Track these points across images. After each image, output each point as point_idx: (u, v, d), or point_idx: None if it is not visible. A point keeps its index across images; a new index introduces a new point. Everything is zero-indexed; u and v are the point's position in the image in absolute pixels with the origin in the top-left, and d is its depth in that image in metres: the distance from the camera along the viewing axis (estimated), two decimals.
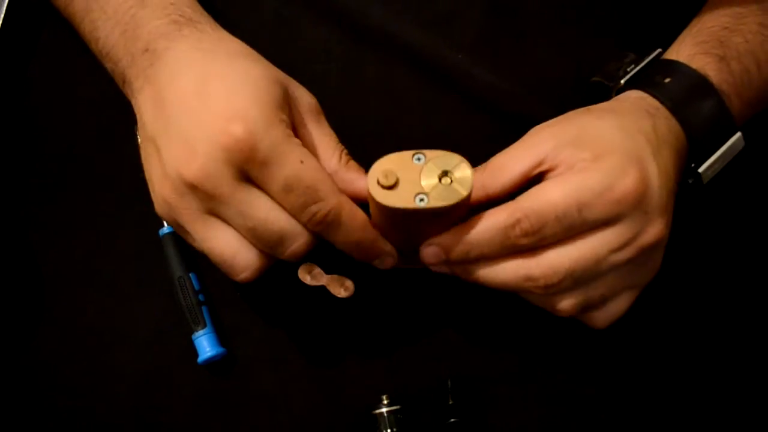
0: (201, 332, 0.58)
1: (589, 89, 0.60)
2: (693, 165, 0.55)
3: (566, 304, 0.50)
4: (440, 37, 0.60)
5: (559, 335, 0.59)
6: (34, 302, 0.61)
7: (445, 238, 0.49)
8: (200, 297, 0.59)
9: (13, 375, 0.60)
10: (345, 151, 0.53)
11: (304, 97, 0.52)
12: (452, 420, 0.57)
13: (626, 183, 0.48)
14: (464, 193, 0.47)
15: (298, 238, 0.49)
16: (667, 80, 0.55)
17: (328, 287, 0.58)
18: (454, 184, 0.47)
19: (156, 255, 0.60)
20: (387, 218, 0.49)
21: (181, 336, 0.59)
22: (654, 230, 0.49)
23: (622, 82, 0.56)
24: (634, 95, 0.55)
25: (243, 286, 0.59)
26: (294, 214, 0.48)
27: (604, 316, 0.52)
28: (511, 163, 0.50)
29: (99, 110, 0.63)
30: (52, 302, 0.61)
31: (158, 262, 0.60)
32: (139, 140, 0.53)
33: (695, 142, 0.54)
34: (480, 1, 0.61)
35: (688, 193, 0.57)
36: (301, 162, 0.47)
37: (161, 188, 0.49)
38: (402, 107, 0.60)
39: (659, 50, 0.58)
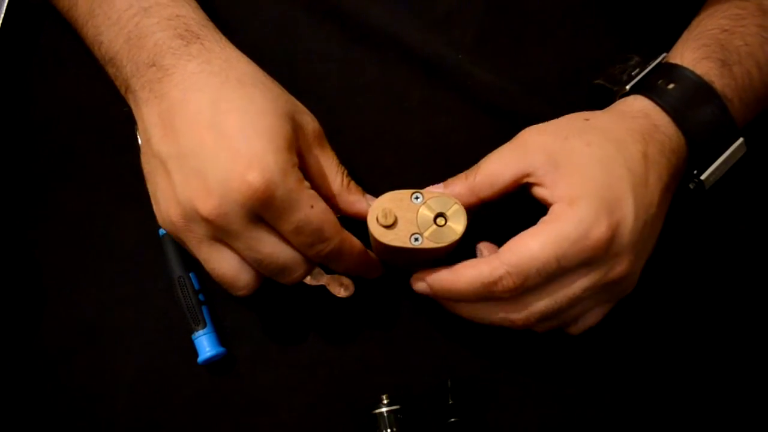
0: (201, 332, 0.58)
1: (591, 91, 0.60)
2: (695, 172, 0.56)
3: (541, 328, 0.54)
4: (440, 37, 0.60)
5: (559, 335, 0.59)
6: (34, 302, 0.61)
7: (433, 279, 0.53)
8: (200, 297, 0.59)
9: (13, 374, 0.60)
10: (346, 172, 0.55)
11: (309, 125, 0.53)
12: (452, 420, 0.57)
13: (598, 232, 0.50)
14: (456, 237, 0.51)
15: (299, 269, 0.52)
16: (670, 86, 0.55)
17: (328, 287, 0.58)
18: (448, 227, 0.51)
19: (156, 255, 0.60)
20: (384, 250, 0.53)
21: (181, 336, 0.59)
22: (620, 268, 0.51)
23: (627, 88, 0.57)
24: (638, 105, 0.55)
25: None
26: (301, 249, 0.51)
27: (579, 327, 0.55)
28: (501, 170, 0.53)
29: (99, 110, 0.62)
30: (52, 302, 0.61)
31: (158, 262, 0.60)
32: (142, 149, 0.53)
33: (697, 149, 0.55)
34: (480, 1, 0.61)
35: (689, 197, 0.57)
36: (311, 207, 0.50)
37: (168, 209, 0.51)
38: (402, 107, 0.60)
39: (664, 54, 0.58)
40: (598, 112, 0.55)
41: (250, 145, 0.49)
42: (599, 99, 0.58)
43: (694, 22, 0.59)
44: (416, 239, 0.51)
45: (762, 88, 0.57)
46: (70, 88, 0.64)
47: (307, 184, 0.51)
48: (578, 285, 0.51)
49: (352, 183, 0.55)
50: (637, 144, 0.53)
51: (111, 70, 0.55)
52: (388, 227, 0.51)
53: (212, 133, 0.49)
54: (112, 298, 0.60)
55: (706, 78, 0.55)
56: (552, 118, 0.55)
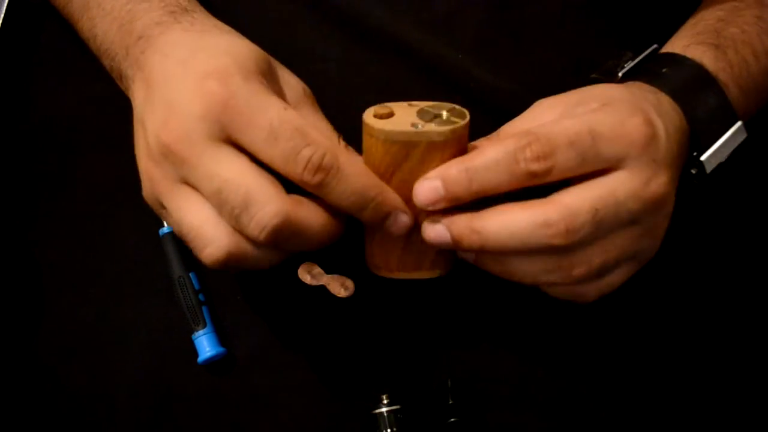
0: (201, 332, 0.58)
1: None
2: (695, 153, 0.55)
3: (586, 266, 0.47)
4: (440, 37, 0.60)
5: (559, 335, 0.59)
6: (34, 302, 0.61)
7: (444, 168, 0.45)
8: (200, 297, 0.59)
9: (13, 375, 0.60)
10: (341, 137, 0.51)
11: (297, 83, 0.52)
12: (452, 420, 0.57)
13: (636, 122, 0.46)
14: (461, 122, 0.46)
15: (267, 203, 0.44)
16: (664, 70, 0.54)
17: (328, 287, 0.58)
18: (449, 120, 0.47)
19: (156, 255, 0.60)
20: (382, 159, 0.47)
21: (181, 336, 0.59)
22: (661, 181, 0.47)
23: (620, 75, 0.56)
24: (635, 84, 0.55)
25: (243, 285, 0.59)
26: (285, 165, 0.44)
27: (599, 288, 0.50)
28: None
29: (99, 110, 0.63)
30: (52, 302, 0.61)
31: (158, 262, 0.60)
32: (134, 124, 0.53)
33: (696, 131, 0.54)
34: (480, 1, 0.61)
35: (690, 186, 0.56)
36: (284, 109, 0.45)
37: (145, 165, 0.49)
38: None
39: (655, 45, 0.58)
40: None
41: (214, 63, 0.46)
42: None
43: (691, 18, 0.59)
44: (416, 127, 0.46)
45: (761, 77, 0.57)
46: (70, 88, 0.64)
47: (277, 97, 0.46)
48: (620, 184, 0.46)
49: (350, 148, 0.50)
50: (649, 93, 0.52)
51: (106, 62, 0.55)
52: (384, 118, 0.46)
53: (181, 67, 0.47)
54: (112, 298, 0.60)
55: (698, 61, 0.54)
56: None
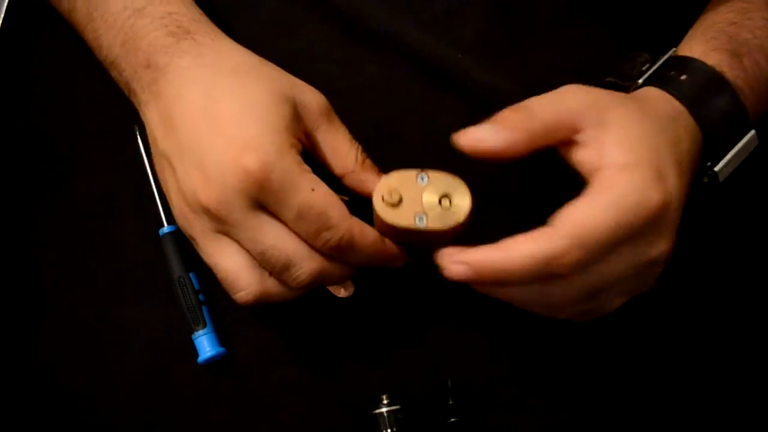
0: (201, 332, 0.58)
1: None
2: (709, 164, 0.55)
3: (570, 312, 0.51)
4: (440, 36, 0.60)
5: (559, 335, 0.59)
6: (33, 302, 0.61)
7: (477, 259, 0.48)
8: (200, 297, 0.59)
9: (13, 375, 0.60)
10: (360, 148, 0.54)
11: (313, 101, 0.53)
12: (452, 420, 0.57)
13: (654, 200, 0.47)
14: (461, 219, 0.50)
15: (305, 263, 0.50)
16: (683, 77, 0.54)
17: (328, 287, 0.58)
18: (453, 208, 0.51)
19: (156, 255, 0.60)
20: (388, 232, 0.52)
21: (181, 336, 0.59)
22: (663, 247, 0.49)
23: (640, 81, 0.56)
24: (653, 93, 0.54)
25: None
26: (308, 240, 0.50)
27: (592, 317, 0.52)
28: (562, 117, 0.50)
29: (99, 110, 0.62)
30: (51, 302, 0.61)
31: (158, 262, 0.60)
32: (152, 151, 0.54)
33: (710, 140, 0.54)
34: (480, 0, 0.60)
35: (702, 192, 0.56)
36: (312, 190, 0.49)
37: (178, 204, 0.52)
38: (402, 107, 0.60)
39: (673, 49, 0.57)
40: (624, 94, 0.54)
41: (245, 129, 0.49)
42: None
43: (701, 19, 0.59)
44: (420, 219, 0.50)
45: None
46: (70, 88, 0.64)
47: (307, 167, 0.50)
48: (624, 261, 0.48)
49: (368, 160, 0.54)
50: (672, 123, 0.52)
51: (114, 74, 0.56)
52: (393, 206, 0.51)
53: (206, 122, 0.50)
54: (112, 298, 0.60)
55: (717, 68, 0.55)
56: None
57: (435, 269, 0.52)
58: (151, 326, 0.60)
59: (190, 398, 0.59)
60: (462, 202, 0.51)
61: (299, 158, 0.50)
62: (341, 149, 0.53)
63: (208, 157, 0.49)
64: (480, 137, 0.49)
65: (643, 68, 0.57)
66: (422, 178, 0.51)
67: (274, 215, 0.50)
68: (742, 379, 0.62)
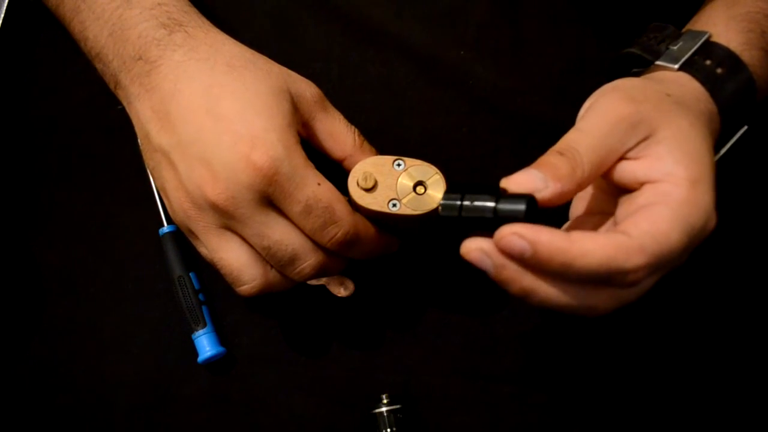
0: (201, 332, 0.58)
1: (616, 62, 0.57)
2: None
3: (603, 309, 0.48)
4: (441, 34, 0.60)
5: (559, 335, 0.59)
6: (33, 302, 0.61)
7: (541, 238, 0.43)
8: (200, 297, 0.59)
9: (13, 375, 0.60)
10: (357, 132, 0.54)
11: (307, 92, 0.53)
12: (452, 420, 0.57)
13: (713, 224, 0.47)
14: (433, 206, 0.51)
15: (310, 257, 0.51)
16: (719, 71, 0.52)
17: (328, 287, 0.58)
18: (426, 195, 0.51)
19: (156, 255, 0.60)
20: (366, 214, 0.52)
21: (181, 336, 0.59)
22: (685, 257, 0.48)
23: (676, 67, 0.52)
24: (692, 89, 0.52)
25: None
26: (314, 235, 0.50)
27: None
28: (614, 149, 0.47)
29: (99, 110, 0.62)
30: (52, 302, 0.61)
31: (158, 262, 0.60)
32: (142, 146, 0.53)
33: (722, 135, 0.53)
34: None
35: None
36: (318, 184, 0.50)
37: (178, 200, 0.51)
38: (403, 105, 0.60)
39: (708, 33, 0.54)
40: (664, 84, 0.51)
41: (250, 125, 0.49)
42: (621, 72, 0.56)
43: (732, 3, 0.56)
44: (394, 205, 0.51)
45: None
46: (70, 87, 0.64)
47: (311, 163, 0.51)
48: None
49: (366, 143, 0.54)
50: (710, 125, 0.50)
51: (99, 66, 0.55)
52: (367, 190, 0.51)
53: (210, 118, 0.50)
54: (112, 298, 0.60)
55: (752, 69, 0.53)
56: (553, 118, 0.54)
57: (429, 263, 0.52)
58: (151, 326, 0.60)
59: (190, 398, 0.59)
60: (436, 189, 0.51)
61: (304, 153, 0.50)
62: (339, 134, 0.54)
63: (214, 153, 0.49)
64: (531, 188, 0.46)
65: (673, 45, 0.54)
66: (398, 165, 0.52)
67: (280, 210, 0.50)
68: (742, 378, 0.62)
